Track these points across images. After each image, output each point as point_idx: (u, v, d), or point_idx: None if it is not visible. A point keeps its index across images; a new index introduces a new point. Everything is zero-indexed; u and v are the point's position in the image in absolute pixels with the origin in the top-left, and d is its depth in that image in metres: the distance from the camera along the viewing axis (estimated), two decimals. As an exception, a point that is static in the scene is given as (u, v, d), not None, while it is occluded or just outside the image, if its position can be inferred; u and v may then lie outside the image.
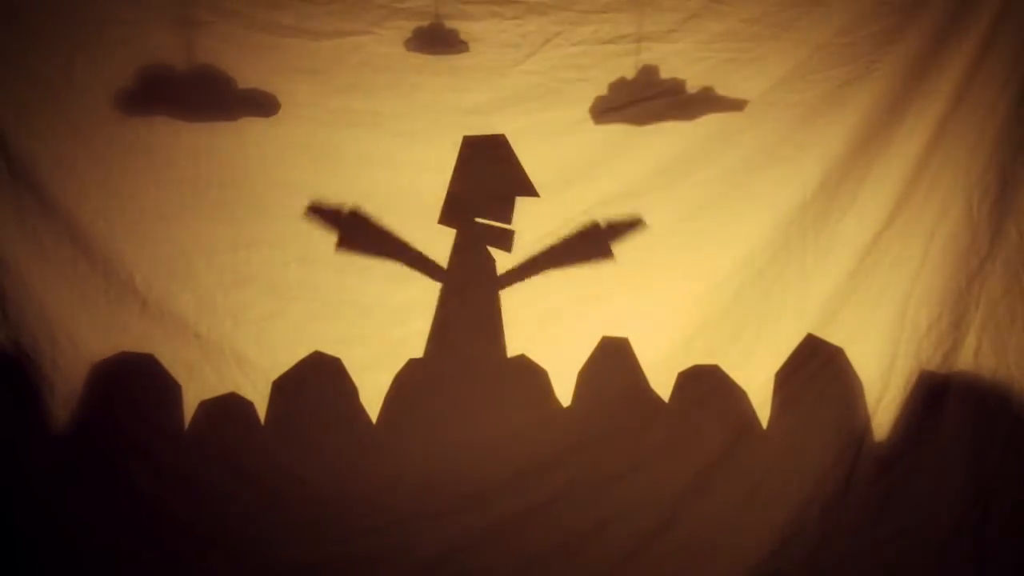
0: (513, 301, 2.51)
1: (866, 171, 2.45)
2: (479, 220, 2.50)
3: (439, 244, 2.50)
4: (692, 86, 2.44)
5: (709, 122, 2.45)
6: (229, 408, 2.47)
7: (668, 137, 2.46)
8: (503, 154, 2.46)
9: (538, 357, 2.52)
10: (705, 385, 2.50)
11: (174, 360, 2.46)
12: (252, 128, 2.41)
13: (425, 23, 2.38)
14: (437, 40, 2.37)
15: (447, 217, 2.50)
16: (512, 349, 2.51)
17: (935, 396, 2.47)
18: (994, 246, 2.45)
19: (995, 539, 2.42)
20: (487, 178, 2.47)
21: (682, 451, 2.49)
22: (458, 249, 2.51)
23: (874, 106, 2.43)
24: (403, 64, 2.40)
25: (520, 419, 2.51)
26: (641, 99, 2.44)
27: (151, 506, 2.44)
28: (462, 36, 2.39)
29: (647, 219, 2.49)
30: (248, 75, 2.39)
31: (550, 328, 2.51)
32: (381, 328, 2.50)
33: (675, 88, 2.44)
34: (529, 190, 2.47)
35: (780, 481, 2.47)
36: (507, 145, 2.46)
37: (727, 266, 2.49)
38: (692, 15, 2.41)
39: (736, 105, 2.45)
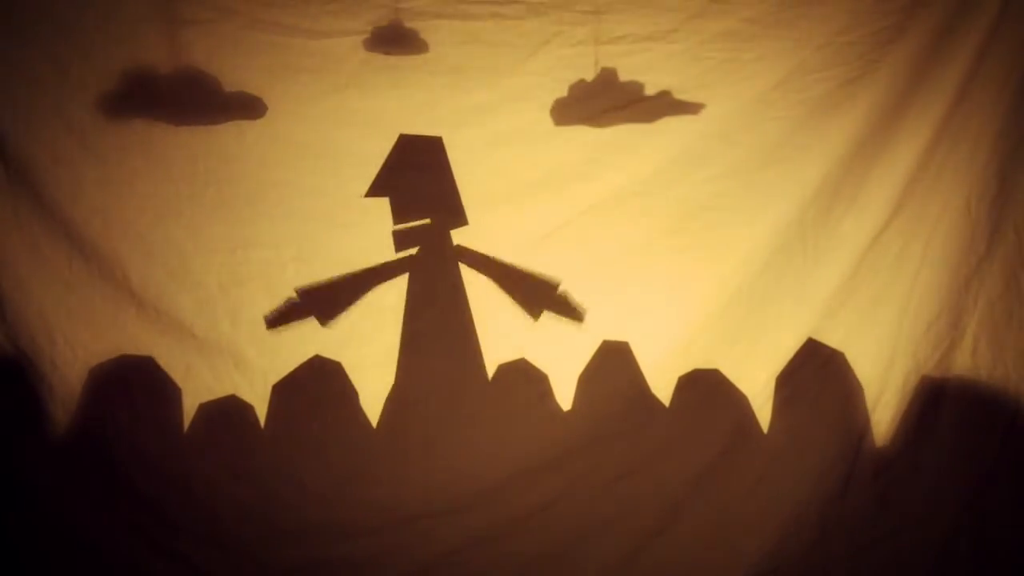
0: (513, 302, 2.50)
1: (866, 171, 2.45)
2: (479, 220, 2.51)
3: (438, 243, 2.49)
4: (692, 86, 2.44)
5: (709, 122, 2.45)
6: (227, 408, 2.46)
7: (667, 137, 2.46)
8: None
9: (538, 358, 2.52)
10: (704, 386, 2.50)
11: (172, 361, 2.45)
12: (250, 127, 2.41)
13: (423, 22, 2.38)
14: (394, 41, 2.37)
15: (444, 216, 2.50)
16: (512, 350, 2.51)
17: (933, 395, 2.48)
18: (992, 246, 2.46)
19: (993, 538, 2.43)
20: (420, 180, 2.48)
21: (682, 452, 2.49)
22: (458, 249, 2.50)
23: (874, 106, 2.43)
24: (403, 63, 2.40)
25: (520, 420, 2.51)
26: (641, 99, 2.45)
27: (150, 506, 2.43)
28: (462, 36, 2.39)
29: (647, 220, 2.49)
30: (246, 74, 2.39)
31: (550, 329, 2.50)
32: (380, 328, 2.49)
33: (675, 88, 2.44)
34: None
35: (779, 481, 2.48)
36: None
37: (727, 266, 2.49)
38: (693, 15, 2.42)
39: (736, 105, 2.45)
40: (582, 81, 2.43)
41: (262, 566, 2.46)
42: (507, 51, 2.41)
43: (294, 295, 2.45)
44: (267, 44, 2.36)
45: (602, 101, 2.44)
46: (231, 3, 2.33)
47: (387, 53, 2.39)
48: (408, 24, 2.37)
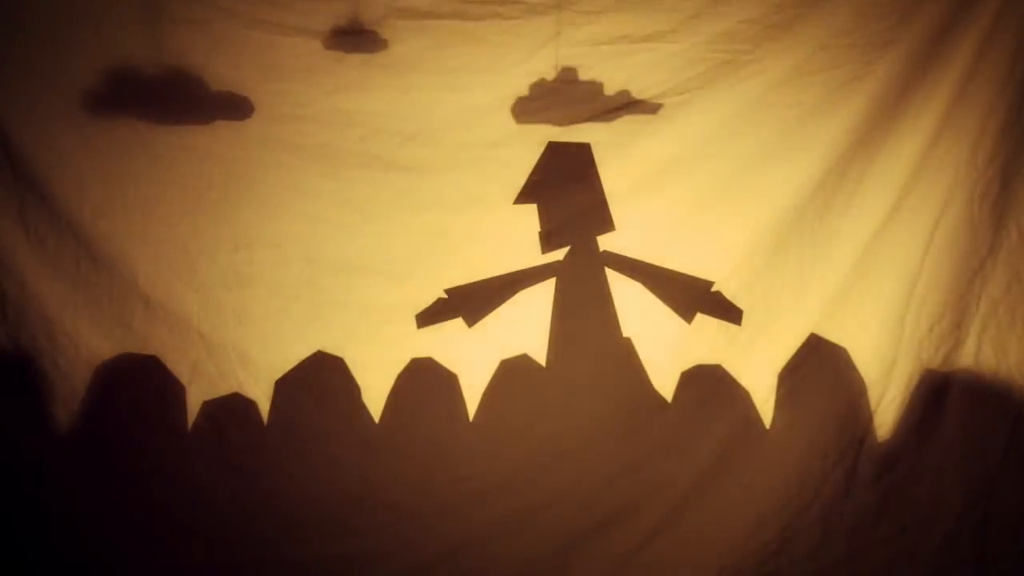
0: (512, 301, 2.51)
1: (865, 171, 2.46)
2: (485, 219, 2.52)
3: (438, 243, 2.50)
4: (691, 87, 2.45)
5: (708, 123, 2.46)
6: (232, 407, 2.48)
7: (667, 138, 2.47)
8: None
9: (538, 357, 2.52)
10: (705, 384, 2.50)
11: (177, 359, 2.47)
12: (252, 127, 2.44)
13: (423, 22, 2.40)
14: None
15: (590, 221, 2.51)
16: (512, 349, 2.52)
17: (936, 396, 2.47)
18: (995, 246, 2.45)
19: (995, 539, 2.41)
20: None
21: (682, 450, 2.48)
22: (458, 250, 2.51)
23: (873, 106, 2.43)
24: (402, 63, 2.42)
25: (520, 419, 2.51)
26: (639, 100, 2.46)
27: (151, 506, 2.45)
28: (461, 36, 2.41)
29: (647, 219, 2.50)
30: (247, 74, 2.42)
31: (550, 328, 2.51)
32: (382, 327, 2.50)
33: (674, 89, 2.46)
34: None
35: (780, 480, 2.47)
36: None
37: (727, 266, 2.49)
38: (692, 16, 2.43)
39: (735, 106, 2.46)
40: (581, 82, 2.45)
41: (264, 563, 2.46)
42: (507, 51, 2.42)
43: (444, 295, 2.47)
44: (267, 44, 2.39)
45: (600, 102, 2.45)
46: (231, 3, 2.37)
47: (386, 53, 2.41)
48: (407, 24, 2.39)
